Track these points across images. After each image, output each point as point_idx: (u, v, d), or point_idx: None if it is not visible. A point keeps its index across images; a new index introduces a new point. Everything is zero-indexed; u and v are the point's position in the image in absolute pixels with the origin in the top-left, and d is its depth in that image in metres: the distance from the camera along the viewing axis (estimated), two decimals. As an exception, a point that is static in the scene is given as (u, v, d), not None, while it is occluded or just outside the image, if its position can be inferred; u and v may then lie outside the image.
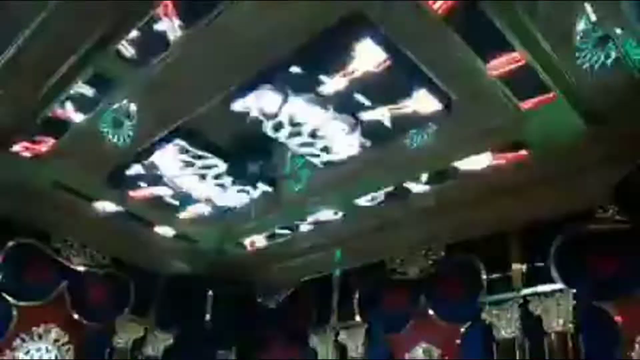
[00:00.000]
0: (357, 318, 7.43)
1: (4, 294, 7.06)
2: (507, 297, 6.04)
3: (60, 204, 7.03)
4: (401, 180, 6.20)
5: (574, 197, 5.60)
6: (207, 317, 8.19)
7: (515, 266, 6.16)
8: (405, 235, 6.98)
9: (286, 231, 7.61)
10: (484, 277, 6.35)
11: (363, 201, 6.64)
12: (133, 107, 5.33)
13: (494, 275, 6.30)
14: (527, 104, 4.81)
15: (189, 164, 6.16)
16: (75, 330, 7.61)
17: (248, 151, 5.94)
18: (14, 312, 7.14)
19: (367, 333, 7.27)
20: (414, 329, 6.87)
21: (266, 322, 8.48)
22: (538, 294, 5.84)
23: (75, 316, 7.64)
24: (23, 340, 7.21)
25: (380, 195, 6.47)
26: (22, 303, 7.19)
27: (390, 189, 6.34)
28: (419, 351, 6.69)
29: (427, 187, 6.20)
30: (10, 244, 7.08)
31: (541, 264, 5.95)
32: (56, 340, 7.45)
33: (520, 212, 6.05)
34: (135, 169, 6.33)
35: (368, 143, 5.53)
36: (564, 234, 5.91)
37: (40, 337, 7.35)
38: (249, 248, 8.02)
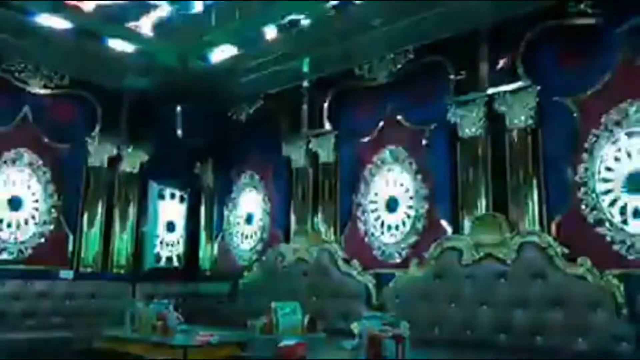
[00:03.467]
0: (327, 126, 7.56)
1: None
2: (473, 97, 6.10)
3: (8, 24, 6.55)
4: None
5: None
6: (179, 132, 8.24)
7: (483, 65, 6.14)
8: (373, 39, 6.79)
9: (252, 40, 7.27)
10: (452, 77, 6.35)
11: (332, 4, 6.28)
12: None
13: (461, 76, 6.29)
14: None
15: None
16: (47, 153, 7.67)
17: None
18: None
19: (337, 139, 7.46)
20: (381, 133, 7.04)
21: (239, 134, 8.62)
22: (503, 93, 5.90)
23: (45, 139, 7.64)
24: (-4, 167, 7.27)
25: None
26: (-15, 130, 7.12)
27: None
28: (385, 153, 6.93)
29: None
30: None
31: (508, 62, 5.92)
32: (30, 164, 7.52)
33: (489, 9, 5.87)
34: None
35: None
36: (533, 30, 5.79)
37: (13, 162, 7.40)
38: (213, 61, 7.74)
